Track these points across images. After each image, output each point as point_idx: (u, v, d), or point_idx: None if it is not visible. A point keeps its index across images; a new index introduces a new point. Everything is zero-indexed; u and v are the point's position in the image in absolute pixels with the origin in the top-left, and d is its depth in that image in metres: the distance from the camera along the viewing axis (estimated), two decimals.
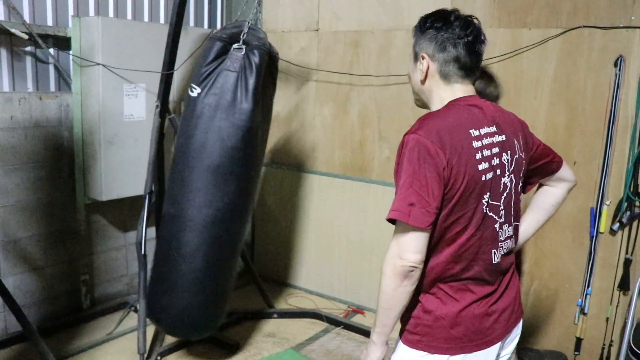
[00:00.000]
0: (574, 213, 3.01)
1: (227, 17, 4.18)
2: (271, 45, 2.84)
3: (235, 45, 2.67)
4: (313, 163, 3.96)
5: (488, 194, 1.49)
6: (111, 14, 3.45)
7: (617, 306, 2.96)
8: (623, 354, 2.70)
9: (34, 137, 3.15)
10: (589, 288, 3.01)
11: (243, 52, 2.66)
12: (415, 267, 1.41)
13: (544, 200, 1.84)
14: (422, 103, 1.65)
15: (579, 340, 3.09)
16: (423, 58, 1.55)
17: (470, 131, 1.48)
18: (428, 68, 1.55)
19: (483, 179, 1.47)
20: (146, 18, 3.65)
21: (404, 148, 1.42)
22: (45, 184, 3.23)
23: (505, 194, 1.56)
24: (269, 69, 2.84)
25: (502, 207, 1.55)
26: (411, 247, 1.40)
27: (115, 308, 3.57)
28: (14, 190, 3.10)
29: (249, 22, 2.74)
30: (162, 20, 3.74)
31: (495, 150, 1.52)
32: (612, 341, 2.99)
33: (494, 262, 1.55)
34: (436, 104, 1.56)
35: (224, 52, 2.68)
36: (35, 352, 2.68)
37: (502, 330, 1.59)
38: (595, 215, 2.95)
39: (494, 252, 1.55)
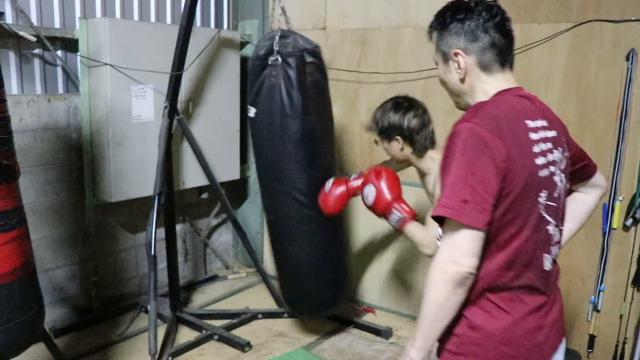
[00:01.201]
0: None
1: (233, 17, 4.17)
2: (308, 42, 2.86)
3: (271, 58, 2.75)
4: None
5: (545, 192, 1.37)
6: (118, 15, 3.45)
7: (630, 303, 2.93)
8: (638, 351, 2.67)
9: (43, 140, 3.15)
10: (602, 285, 2.99)
11: (280, 63, 2.73)
12: (472, 273, 1.26)
13: (578, 208, 1.73)
14: (465, 104, 1.50)
15: (592, 338, 3.06)
16: (456, 55, 1.43)
17: (527, 122, 1.36)
18: (464, 64, 1.43)
19: (540, 175, 1.35)
20: (153, 19, 3.65)
21: (456, 138, 1.28)
22: (55, 186, 3.23)
23: (557, 194, 1.43)
24: (311, 67, 2.86)
25: (555, 208, 1.43)
26: (466, 249, 1.25)
27: (125, 309, 3.58)
28: (23, 192, 3.04)
29: (278, 32, 2.79)
30: (168, 21, 3.74)
31: (549, 145, 1.40)
32: (626, 338, 2.96)
33: (545, 268, 1.42)
34: (482, 99, 1.43)
35: (263, 68, 2.78)
36: (47, 353, 2.68)
37: (552, 347, 1.45)
38: (607, 212, 2.92)
39: (546, 257, 1.42)
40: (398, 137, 2.35)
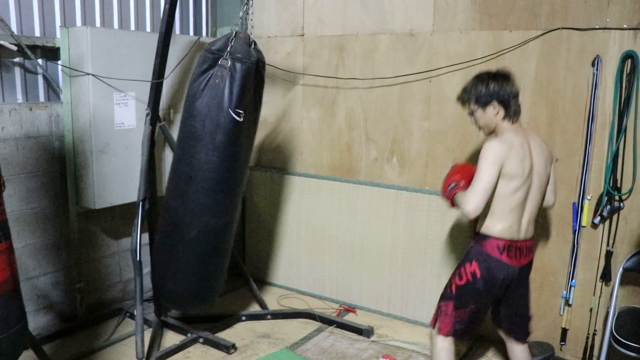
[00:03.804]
0: (557, 208, 3.11)
1: (212, 24, 4.22)
2: (258, 52, 2.94)
3: (223, 57, 2.84)
4: (302, 166, 4.03)
5: None
6: (98, 23, 3.48)
7: (599, 297, 3.07)
8: (606, 342, 2.80)
9: (25, 148, 3.16)
10: (573, 280, 3.12)
11: (229, 64, 2.83)
12: None
13: None
14: None
15: (564, 331, 3.19)
16: None
17: None
18: None
19: None
20: (132, 27, 3.68)
21: None
22: (38, 193, 3.24)
23: None
24: (255, 77, 2.96)
25: None
26: None
27: (110, 315, 3.60)
28: (6, 201, 3.09)
29: (233, 34, 2.87)
30: (148, 29, 3.77)
31: None
32: (595, 330, 3.10)
33: None
34: None
35: (213, 65, 2.86)
36: None
37: None
38: (577, 210, 3.06)
39: None
40: (495, 103, 2.47)
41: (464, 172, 2.63)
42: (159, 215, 3.28)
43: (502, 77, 2.49)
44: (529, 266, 2.59)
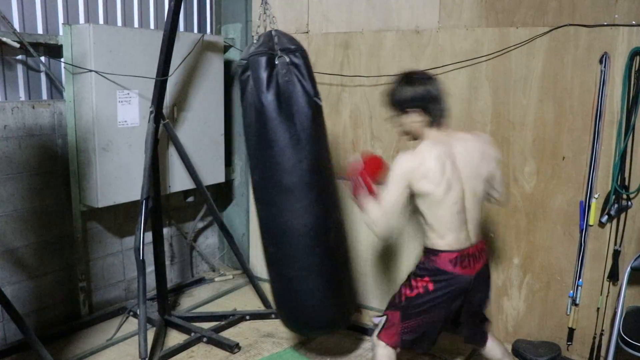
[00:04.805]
0: (563, 207, 3.09)
1: (216, 21, 4.20)
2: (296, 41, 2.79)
3: (278, 56, 2.63)
4: None
5: None
6: (101, 20, 3.46)
7: (607, 296, 3.04)
8: (613, 343, 2.77)
9: (28, 146, 3.15)
10: (580, 280, 3.09)
11: (287, 60, 2.63)
12: None
13: None
14: None
15: (571, 331, 3.17)
16: None
17: None
18: None
19: None
20: (136, 24, 3.66)
21: None
22: (41, 192, 3.23)
23: None
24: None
25: None
26: None
27: (113, 314, 3.59)
28: (9, 199, 3.10)
29: (274, 30, 2.69)
30: (152, 26, 3.75)
31: None
32: (603, 330, 3.07)
33: None
34: None
35: (271, 66, 2.62)
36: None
37: None
38: (584, 209, 3.03)
39: None
40: (412, 108, 2.31)
41: (373, 167, 2.46)
42: (162, 213, 3.26)
43: (420, 79, 2.33)
44: (486, 269, 2.47)
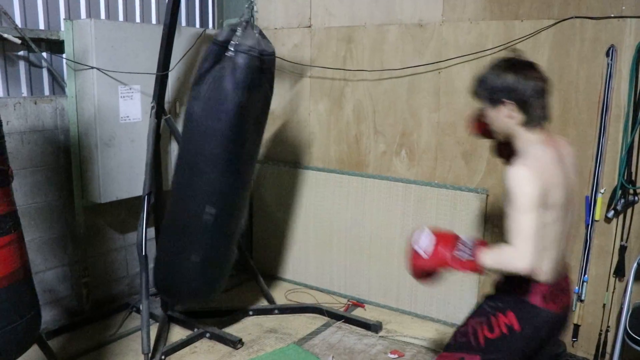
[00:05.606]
0: None
1: (218, 16, 4.17)
2: (267, 44, 2.88)
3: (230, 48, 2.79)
4: (309, 159, 3.98)
5: None
6: (103, 15, 3.44)
7: (613, 292, 3.01)
8: (619, 339, 2.74)
9: (31, 142, 3.14)
10: (586, 275, 3.06)
11: (233, 55, 2.78)
12: None
13: None
14: None
15: (576, 327, 3.14)
16: None
17: None
18: None
19: None
20: (138, 19, 3.65)
21: None
22: (43, 188, 3.23)
23: None
24: (261, 69, 2.89)
25: None
26: None
27: (117, 309, 3.59)
28: None
29: (240, 26, 2.83)
30: (154, 21, 3.73)
31: None
32: (608, 327, 3.04)
33: None
34: None
35: (218, 57, 2.81)
36: (41, 355, 2.69)
37: None
38: (590, 204, 2.99)
39: None
40: (507, 102, 1.88)
41: (446, 239, 1.97)
42: (164, 209, 3.25)
43: (522, 67, 1.88)
44: (569, 308, 2.06)
